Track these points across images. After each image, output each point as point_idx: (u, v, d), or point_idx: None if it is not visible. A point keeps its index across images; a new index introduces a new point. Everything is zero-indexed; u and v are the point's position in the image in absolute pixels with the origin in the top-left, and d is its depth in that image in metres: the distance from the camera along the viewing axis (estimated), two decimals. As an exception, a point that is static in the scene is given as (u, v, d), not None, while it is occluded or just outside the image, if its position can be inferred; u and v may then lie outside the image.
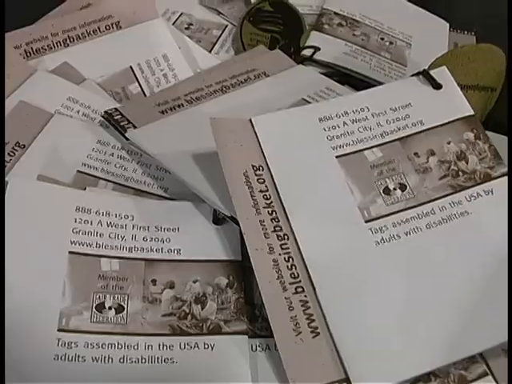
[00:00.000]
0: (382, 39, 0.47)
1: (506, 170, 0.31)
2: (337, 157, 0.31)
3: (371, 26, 0.48)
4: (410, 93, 0.34)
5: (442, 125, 0.33)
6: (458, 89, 0.34)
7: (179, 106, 0.37)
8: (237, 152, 0.30)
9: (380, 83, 0.42)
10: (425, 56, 0.45)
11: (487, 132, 0.38)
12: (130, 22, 0.43)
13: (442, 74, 0.34)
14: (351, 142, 0.32)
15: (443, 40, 0.50)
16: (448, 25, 0.52)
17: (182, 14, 0.47)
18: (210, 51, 0.44)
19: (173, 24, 0.46)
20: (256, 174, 0.30)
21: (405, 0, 0.53)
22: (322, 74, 0.42)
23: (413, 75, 0.35)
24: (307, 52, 0.43)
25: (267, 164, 0.30)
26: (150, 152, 0.33)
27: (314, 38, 0.45)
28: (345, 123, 0.32)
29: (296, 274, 0.28)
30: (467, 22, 0.54)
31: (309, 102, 0.37)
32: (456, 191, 0.31)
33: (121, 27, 0.43)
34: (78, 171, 0.34)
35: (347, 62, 0.43)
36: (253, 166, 0.30)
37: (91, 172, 0.34)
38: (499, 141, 0.37)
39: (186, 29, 0.46)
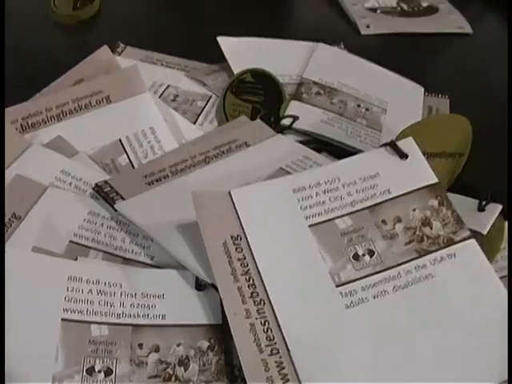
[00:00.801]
0: (359, 106, 0.51)
1: (467, 233, 0.35)
2: (309, 226, 0.35)
3: (348, 93, 0.52)
4: (379, 163, 0.38)
5: (408, 193, 0.36)
6: (423, 158, 0.38)
7: (165, 177, 0.41)
8: (216, 223, 0.34)
9: (356, 149, 0.47)
10: (400, 121, 0.49)
11: (456, 195, 0.42)
12: (120, 96, 0.47)
13: (408, 144, 0.38)
14: (323, 212, 0.35)
15: (418, 104, 0.55)
16: (423, 89, 0.57)
17: (168, 86, 0.52)
18: (195, 122, 0.48)
19: (160, 96, 0.50)
20: (234, 244, 0.34)
21: (381, 67, 0.57)
22: (300, 142, 0.46)
23: (381, 146, 0.39)
24: (287, 121, 0.47)
25: (245, 234, 0.34)
26: (136, 222, 0.37)
27: (294, 107, 0.49)
28: (317, 194, 0.36)
29: (271, 337, 0.31)
30: (442, 86, 0.59)
31: (287, 171, 0.41)
32: (421, 255, 0.34)
33: (111, 101, 0.47)
34: (71, 241, 0.38)
35: (325, 130, 0.48)
36: (231, 236, 0.34)
37: (83, 242, 0.38)
38: (467, 203, 0.41)
39: (173, 100, 0.50)
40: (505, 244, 0.40)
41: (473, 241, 0.35)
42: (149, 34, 0.64)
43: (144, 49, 0.59)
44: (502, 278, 0.37)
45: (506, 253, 0.40)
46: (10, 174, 0.41)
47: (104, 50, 0.53)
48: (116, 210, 0.38)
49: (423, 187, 0.37)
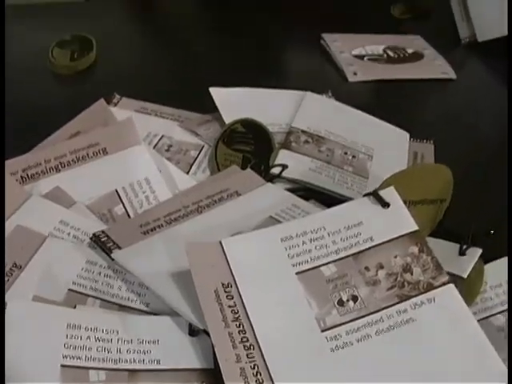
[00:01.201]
0: (346, 153, 0.54)
1: (446, 278, 0.38)
2: (297, 273, 0.37)
3: (335, 141, 0.55)
4: (362, 212, 0.41)
5: (389, 240, 0.39)
6: (404, 207, 0.41)
7: (159, 226, 0.43)
8: (208, 271, 0.37)
9: (343, 196, 0.50)
10: (385, 167, 0.52)
11: (438, 240, 0.44)
12: (116, 148, 0.50)
13: (389, 193, 0.41)
14: (309, 260, 0.38)
15: (403, 150, 0.58)
16: (408, 135, 0.60)
17: (162, 136, 0.55)
18: (188, 172, 0.51)
19: (154, 146, 0.53)
20: (225, 291, 0.36)
21: (367, 114, 0.61)
22: (289, 189, 0.49)
23: (364, 195, 0.42)
24: (276, 170, 0.50)
25: (235, 281, 0.37)
26: (132, 271, 0.39)
27: (283, 156, 0.52)
28: (304, 242, 0.39)
29: (261, 380, 0.33)
30: (427, 130, 0.62)
31: (276, 220, 0.44)
32: (402, 300, 0.37)
33: (107, 153, 0.50)
34: (69, 289, 0.40)
35: (313, 178, 0.51)
36: (222, 284, 0.36)
37: (81, 290, 0.40)
38: (449, 248, 0.44)
39: (167, 150, 0.53)
40: (485, 287, 0.43)
41: (451, 285, 0.38)
42: (143, 83, 0.67)
43: (139, 98, 0.62)
44: (481, 320, 0.40)
45: (486, 295, 0.42)
46: (10, 225, 0.44)
47: (100, 104, 0.56)
48: (113, 259, 0.41)
49: (404, 235, 0.39)
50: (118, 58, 0.74)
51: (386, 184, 0.43)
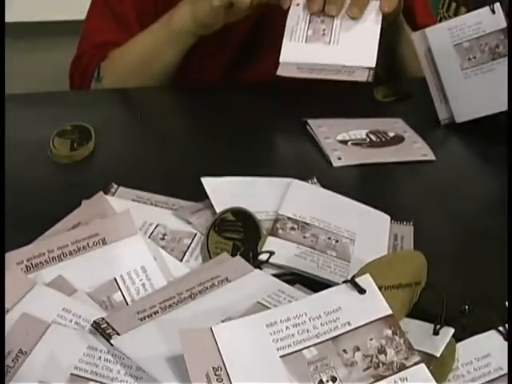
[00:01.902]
0: (329, 238, 0.60)
1: (418, 359, 0.43)
2: (281, 356, 0.42)
3: (320, 227, 0.61)
4: (340, 298, 0.46)
5: (365, 324, 0.44)
6: (379, 293, 0.46)
7: (155, 313, 0.48)
8: (200, 356, 0.41)
9: (326, 280, 0.55)
10: (367, 250, 0.58)
11: (413, 320, 0.50)
12: (114, 238, 0.55)
13: (365, 280, 0.46)
14: (292, 344, 0.43)
15: (384, 233, 0.63)
16: (389, 218, 0.66)
17: (157, 225, 0.60)
18: (182, 259, 0.56)
19: (150, 235, 0.59)
20: (216, 374, 0.41)
21: (350, 199, 0.66)
22: (276, 274, 0.54)
23: (343, 282, 0.47)
24: (264, 256, 0.56)
25: (225, 365, 0.41)
26: (130, 356, 0.44)
27: (270, 243, 0.57)
28: (287, 327, 0.44)
29: None
30: (407, 212, 0.68)
31: (263, 305, 0.49)
32: (377, 380, 0.41)
33: (106, 243, 0.55)
34: (72, 374, 0.45)
35: (298, 264, 0.56)
36: (213, 368, 0.41)
37: (82, 374, 0.45)
38: (422, 328, 0.49)
39: (161, 239, 0.59)
40: (457, 364, 0.47)
41: (423, 365, 0.42)
42: (139, 172, 0.73)
43: (135, 186, 0.68)
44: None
45: (458, 372, 0.47)
46: (16, 313, 0.49)
47: (99, 196, 0.62)
48: (112, 345, 0.45)
49: (379, 319, 0.44)
50: (115, 146, 0.80)
51: (362, 272, 0.48)
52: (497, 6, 0.85)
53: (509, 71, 0.83)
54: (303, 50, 0.89)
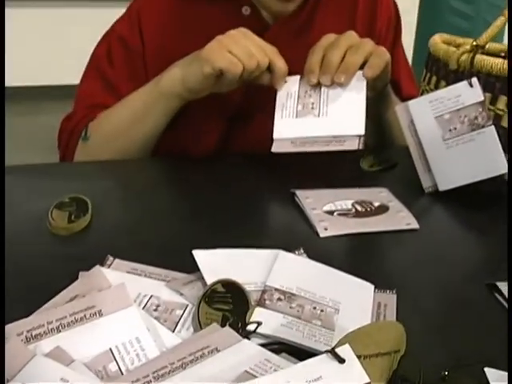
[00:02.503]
0: (314, 308, 0.64)
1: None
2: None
3: (305, 297, 0.65)
4: (322, 367, 0.50)
5: (345, 392, 0.48)
6: (358, 362, 0.50)
7: (148, 382, 0.52)
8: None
9: (311, 349, 0.59)
10: (351, 319, 0.62)
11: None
12: (110, 310, 0.59)
13: (345, 350, 0.51)
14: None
15: (368, 302, 0.67)
16: (373, 287, 0.70)
17: (151, 296, 0.64)
18: (174, 330, 0.60)
19: (144, 307, 0.63)
20: None
21: (335, 269, 0.71)
22: (263, 344, 0.58)
23: (324, 352, 0.51)
24: (252, 326, 0.60)
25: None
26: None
27: (258, 314, 0.62)
28: (272, 395, 0.47)
29: None
30: (391, 281, 0.72)
31: (251, 374, 0.53)
32: None
33: (102, 315, 0.59)
34: None
35: (284, 333, 0.60)
36: None
37: None
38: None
39: (155, 310, 0.63)
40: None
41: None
42: (135, 243, 0.78)
43: (130, 257, 0.72)
44: None
45: None
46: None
47: (96, 270, 0.66)
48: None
49: (357, 388, 0.48)
50: (111, 218, 0.84)
51: (342, 342, 0.52)
52: (474, 80, 0.92)
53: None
54: (295, 125, 0.95)
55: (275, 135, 0.95)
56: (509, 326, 0.39)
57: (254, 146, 1.10)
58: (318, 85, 0.97)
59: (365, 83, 0.96)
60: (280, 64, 0.97)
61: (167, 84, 1.03)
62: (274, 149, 0.94)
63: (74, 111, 1.19)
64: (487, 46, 1.07)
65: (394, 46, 1.31)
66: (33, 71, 4.65)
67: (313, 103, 0.96)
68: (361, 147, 0.92)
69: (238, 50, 0.94)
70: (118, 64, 1.17)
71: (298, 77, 0.99)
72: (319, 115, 0.95)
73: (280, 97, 0.97)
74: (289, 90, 0.97)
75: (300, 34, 1.18)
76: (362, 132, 0.93)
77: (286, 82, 0.97)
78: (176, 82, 1.01)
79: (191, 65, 0.99)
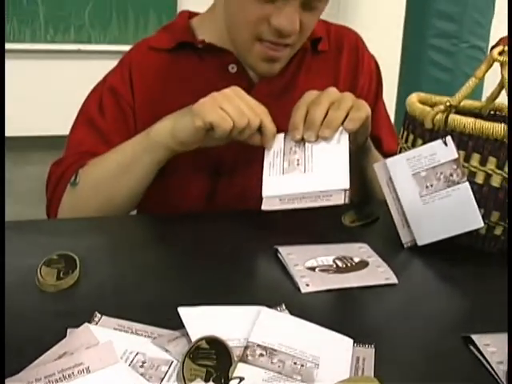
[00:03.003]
0: (295, 363, 0.67)
1: None
2: None
3: (286, 352, 0.68)
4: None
5: None
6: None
7: None
8: None
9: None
10: (330, 373, 0.65)
11: None
12: (97, 366, 0.62)
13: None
14: None
15: (347, 356, 0.70)
16: (352, 341, 0.73)
17: (137, 353, 0.67)
18: (159, 387, 0.63)
19: (130, 363, 0.65)
20: None
21: (316, 324, 0.73)
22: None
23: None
24: (234, 382, 0.62)
25: None
26: None
27: (240, 369, 0.64)
28: None
29: None
30: (370, 335, 0.75)
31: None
32: None
33: (90, 371, 0.61)
34: None
35: None
36: None
37: None
38: None
39: (141, 366, 0.65)
40: None
41: None
42: (121, 300, 0.80)
43: (117, 314, 0.74)
44: None
45: None
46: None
47: (84, 327, 0.69)
48: None
49: None
50: (98, 275, 0.87)
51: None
52: (448, 139, 0.96)
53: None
54: (282, 182, 0.99)
55: (264, 193, 0.99)
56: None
57: (240, 201, 1.14)
58: (302, 141, 1.01)
59: (347, 137, 1.00)
60: (271, 126, 1.02)
61: (158, 134, 1.07)
62: (264, 207, 0.98)
63: (64, 157, 1.23)
64: (463, 104, 1.13)
65: (376, 101, 1.37)
66: (20, 122, 4.69)
67: (298, 160, 1.00)
68: (347, 201, 0.97)
69: (230, 107, 0.99)
70: (109, 114, 1.22)
71: (282, 134, 1.04)
72: (305, 171, 0.99)
73: (267, 155, 1.02)
74: (275, 148, 1.02)
75: (284, 92, 1.24)
76: (347, 186, 0.97)
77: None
78: (166, 133, 1.05)
79: (183, 117, 1.03)
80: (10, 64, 4.48)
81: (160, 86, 1.23)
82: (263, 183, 1.00)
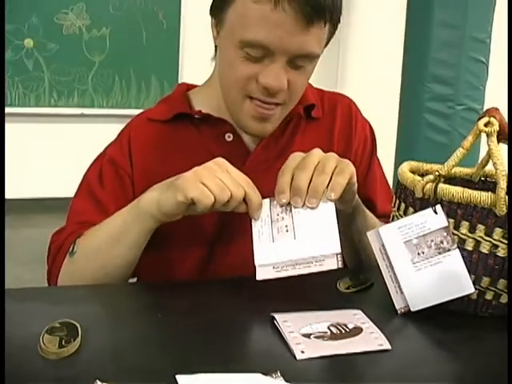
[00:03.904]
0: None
1: None
2: None
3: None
4: None
5: None
6: None
7: None
8: None
9: None
10: None
11: None
12: None
13: None
14: None
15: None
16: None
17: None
18: None
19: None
20: None
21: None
22: None
23: None
24: None
25: None
26: None
27: None
28: None
29: None
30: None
31: None
32: None
33: None
34: None
35: None
36: None
37: None
38: None
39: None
40: None
41: None
42: (121, 367, 0.82)
43: (118, 381, 0.77)
44: None
45: None
46: None
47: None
48: None
49: None
50: (99, 342, 0.89)
51: None
52: (438, 207, 1.00)
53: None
54: (273, 250, 1.02)
55: (256, 262, 1.02)
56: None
57: (235, 268, 1.17)
58: (289, 206, 1.04)
59: (333, 203, 1.03)
60: (255, 197, 1.05)
61: (145, 205, 1.10)
62: (259, 277, 1.01)
63: (65, 226, 1.28)
64: (454, 171, 1.18)
65: (370, 165, 1.41)
66: (24, 184, 4.76)
67: (286, 226, 1.03)
68: (340, 265, 1.00)
69: (212, 183, 1.02)
70: (108, 185, 1.27)
71: (268, 200, 1.07)
72: (295, 237, 1.02)
73: (255, 223, 1.05)
74: (262, 215, 1.05)
75: (280, 157, 1.26)
76: (339, 250, 1.00)
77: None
78: (153, 204, 1.09)
79: (167, 190, 1.07)
80: (14, 127, 4.58)
81: (158, 157, 1.28)
82: (254, 252, 1.02)
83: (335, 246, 1.01)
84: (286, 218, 1.03)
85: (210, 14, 1.20)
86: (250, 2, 1.08)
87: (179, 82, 4.78)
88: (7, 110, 4.53)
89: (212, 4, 1.19)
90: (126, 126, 1.34)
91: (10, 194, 4.18)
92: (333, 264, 0.99)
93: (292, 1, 1.06)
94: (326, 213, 1.03)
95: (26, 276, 3.30)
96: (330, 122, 1.37)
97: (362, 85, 5.44)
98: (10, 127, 4.45)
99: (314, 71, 1.22)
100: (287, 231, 1.03)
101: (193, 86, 1.39)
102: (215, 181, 1.02)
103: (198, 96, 1.34)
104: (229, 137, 1.28)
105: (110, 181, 1.28)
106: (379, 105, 5.14)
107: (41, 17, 4.62)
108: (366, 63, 5.47)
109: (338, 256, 1.00)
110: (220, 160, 1.07)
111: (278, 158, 1.27)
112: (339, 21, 1.17)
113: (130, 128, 1.33)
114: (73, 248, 1.18)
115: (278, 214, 1.04)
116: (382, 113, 4.91)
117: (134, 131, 1.32)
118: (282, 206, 1.04)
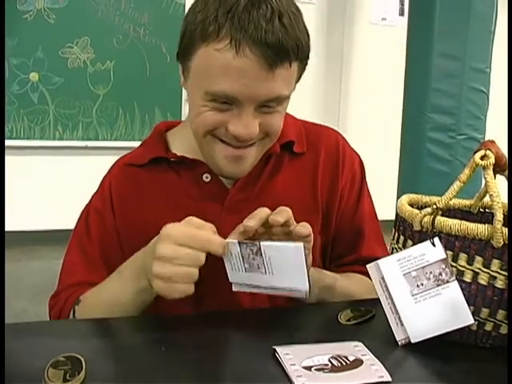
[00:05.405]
0: None
1: None
2: None
3: None
4: None
5: None
6: None
7: None
8: None
9: None
10: None
11: None
12: None
13: None
14: None
15: None
16: None
17: None
18: None
19: None
20: None
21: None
22: None
23: None
24: None
25: None
26: None
27: None
28: None
29: None
30: None
31: None
32: None
33: None
34: None
35: None
36: None
37: None
38: None
39: None
40: None
41: None
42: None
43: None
44: None
45: None
46: None
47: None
48: None
49: None
50: (103, 375, 0.91)
51: None
52: (436, 240, 1.02)
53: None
54: (245, 278, 1.07)
55: (230, 279, 1.08)
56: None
57: (229, 304, 1.18)
58: (259, 250, 1.04)
59: (302, 244, 1.03)
60: (216, 249, 1.04)
61: (141, 261, 1.11)
62: (234, 289, 1.09)
63: (59, 289, 1.30)
64: (453, 202, 1.20)
65: (359, 201, 1.38)
66: (29, 217, 4.79)
67: (258, 265, 1.05)
68: (307, 296, 1.05)
69: (177, 277, 1.03)
70: (95, 236, 1.30)
71: (236, 241, 1.06)
72: (266, 273, 1.05)
73: (226, 256, 1.07)
74: (232, 251, 1.06)
75: (261, 196, 1.28)
76: (307, 288, 1.04)
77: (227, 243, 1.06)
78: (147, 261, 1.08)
79: (142, 277, 1.10)
80: (19, 160, 4.63)
81: (138, 203, 1.30)
82: (227, 273, 1.08)
83: (304, 285, 1.04)
84: (257, 259, 1.05)
85: (177, 60, 1.18)
86: (213, 51, 1.05)
87: (183, 113, 4.84)
88: (12, 142, 4.58)
89: (178, 51, 1.15)
90: (107, 174, 1.36)
91: (14, 226, 4.22)
92: (302, 295, 1.05)
93: (253, 45, 1.02)
94: (296, 253, 1.03)
95: (31, 309, 3.31)
96: (314, 157, 1.32)
97: (365, 116, 5.49)
98: (15, 160, 4.52)
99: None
100: (258, 268, 1.05)
101: (173, 124, 1.39)
102: (175, 267, 1.02)
103: (175, 137, 1.34)
104: (206, 177, 1.27)
105: (96, 231, 1.30)
106: (381, 136, 5.19)
107: (46, 51, 4.68)
108: (367, 94, 5.52)
109: (308, 292, 1.05)
110: (173, 227, 1.05)
111: (258, 197, 1.27)
112: (308, 57, 1.13)
113: (111, 176, 1.35)
114: (73, 315, 1.21)
115: (248, 255, 1.05)
116: (383, 143, 4.96)
117: (114, 179, 1.34)
118: (251, 249, 1.05)
